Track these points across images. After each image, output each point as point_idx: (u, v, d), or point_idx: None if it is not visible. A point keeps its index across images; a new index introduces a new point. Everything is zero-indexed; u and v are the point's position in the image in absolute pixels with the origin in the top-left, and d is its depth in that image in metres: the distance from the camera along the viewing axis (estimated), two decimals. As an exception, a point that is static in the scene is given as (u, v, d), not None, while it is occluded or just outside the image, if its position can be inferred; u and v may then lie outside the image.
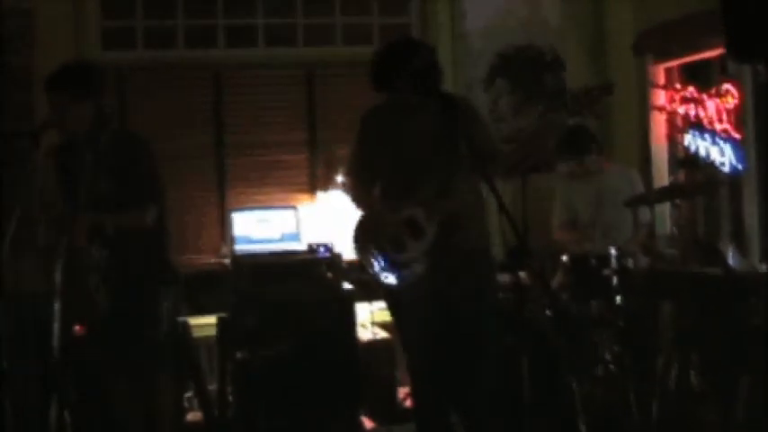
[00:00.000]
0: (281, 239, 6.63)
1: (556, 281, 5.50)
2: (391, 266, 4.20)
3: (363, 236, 4.32)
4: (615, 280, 5.10)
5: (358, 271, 6.23)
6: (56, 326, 4.05)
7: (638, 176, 6.17)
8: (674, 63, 6.91)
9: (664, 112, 6.95)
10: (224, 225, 6.83)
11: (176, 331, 5.27)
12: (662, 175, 7.03)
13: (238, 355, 5.74)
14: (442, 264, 4.15)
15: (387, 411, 5.99)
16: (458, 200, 4.19)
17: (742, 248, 5.92)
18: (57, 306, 4.07)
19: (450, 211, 4.17)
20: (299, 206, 6.90)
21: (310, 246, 6.44)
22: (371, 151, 4.45)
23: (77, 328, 4.79)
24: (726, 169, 6.21)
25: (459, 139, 4.13)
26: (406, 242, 4.19)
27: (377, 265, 4.22)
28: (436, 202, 4.15)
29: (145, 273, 4.52)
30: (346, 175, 4.53)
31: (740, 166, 6.13)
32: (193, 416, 5.89)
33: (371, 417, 5.93)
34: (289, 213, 6.77)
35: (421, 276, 4.16)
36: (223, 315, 5.94)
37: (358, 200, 4.47)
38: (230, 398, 5.85)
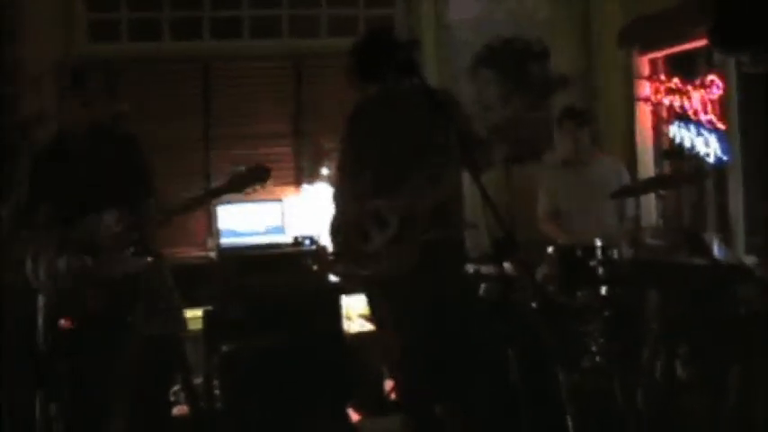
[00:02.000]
0: (267, 232, 6.62)
1: (541, 272, 5.49)
2: (360, 258, 4.21)
3: (334, 230, 4.34)
4: (601, 271, 5.11)
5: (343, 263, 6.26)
6: (40, 320, 4.04)
7: (624, 168, 6.17)
8: (660, 54, 6.92)
9: (649, 104, 6.96)
10: (209, 218, 6.81)
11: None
12: (647, 167, 7.05)
13: (224, 348, 5.73)
14: (421, 256, 4.15)
15: (373, 403, 5.99)
16: (447, 189, 4.19)
17: (727, 239, 5.94)
18: (40, 301, 4.05)
19: (436, 202, 4.16)
20: (284, 199, 6.89)
21: (296, 238, 6.43)
22: (360, 145, 4.44)
23: (63, 322, 4.75)
24: (711, 160, 6.23)
25: (444, 131, 4.13)
26: (372, 234, 4.20)
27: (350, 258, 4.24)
28: (416, 194, 4.14)
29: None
30: (336, 169, 4.53)
31: (725, 157, 6.14)
32: (180, 409, 5.87)
33: (358, 409, 5.92)
34: (274, 206, 6.76)
35: (390, 269, 4.15)
36: (209, 308, 5.92)
37: (338, 195, 4.48)
38: (217, 391, 5.84)
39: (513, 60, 7.20)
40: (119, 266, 4.26)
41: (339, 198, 4.50)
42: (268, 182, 4.52)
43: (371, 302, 4.44)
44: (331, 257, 6.27)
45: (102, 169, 4.38)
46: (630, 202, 5.94)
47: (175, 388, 5.86)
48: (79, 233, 4.23)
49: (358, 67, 4.40)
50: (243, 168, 4.53)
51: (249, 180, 4.43)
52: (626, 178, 6.03)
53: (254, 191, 4.38)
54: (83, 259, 4.21)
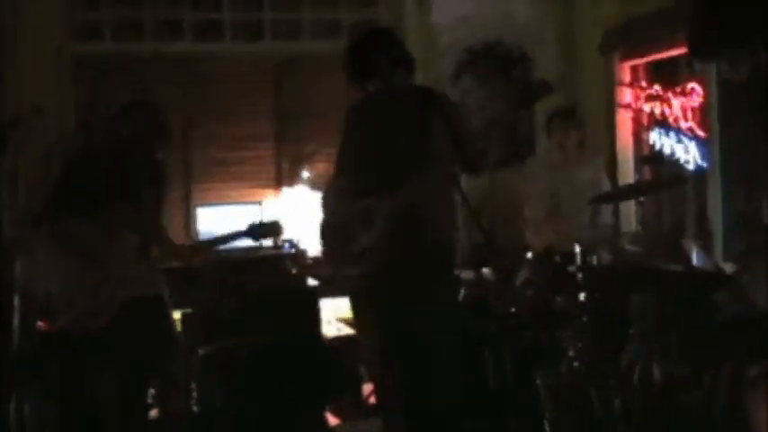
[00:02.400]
0: (246, 235, 6.60)
1: (521, 276, 5.49)
2: (346, 258, 4.20)
3: (323, 230, 4.33)
4: (580, 276, 5.11)
5: (322, 267, 6.25)
6: (15, 320, 4.01)
7: (605, 175, 6.15)
8: (640, 61, 6.94)
9: (629, 110, 6.98)
10: (188, 220, 6.80)
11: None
12: (627, 173, 7.07)
13: (201, 351, 5.71)
14: (404, 258, 4.12)
15: (352, 407, 5.97)
16: (438, 192, 4.17)
17: (706, 246, 5.95)
18: (16, 301, 4.03)
19: (418, 202, 4.13)
20: (263, 201, 6.87)
21: (275, 241, 6.41)
22: (355, 144, 4.39)
23: (40, 324, 4.72)
24: (690, 167, 6.24)
25: (435, 133, 4.12)
26: (358, 234, 4.18)
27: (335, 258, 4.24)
28: (403, 194, 4.11)
29: None
30: (334, 171, 4.49)
31: (705, 164, 6.16)
32: (157, 412, 5.84)
33: (336, 413, 5.91)
34: (253, 209, 6.74)
35: (376, 270, 4.14)
36: (187, 311, 5.90)
37: (329, 194, 4.46)
38: (194, 394, 5.82)
39: (495, 65, 7.21)
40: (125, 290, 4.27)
41: (330, 197, 4.47)
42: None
43: (354, 303, 4.41)
44: (310, 261, 6.30)
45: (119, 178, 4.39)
46: (607, 208, 5.93)
47: (152, 391, 5.83)
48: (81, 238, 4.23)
49: (357, 64, 4.37)
50: (261, 221, 4.85)
51: (266, 232, 4.76)
52: (606, 183, 6.02)
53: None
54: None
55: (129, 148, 4.44)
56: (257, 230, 4.74)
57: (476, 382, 4.54)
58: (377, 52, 4.31)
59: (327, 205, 4.43)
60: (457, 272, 5.69)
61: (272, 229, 4.83)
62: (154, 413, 5.78)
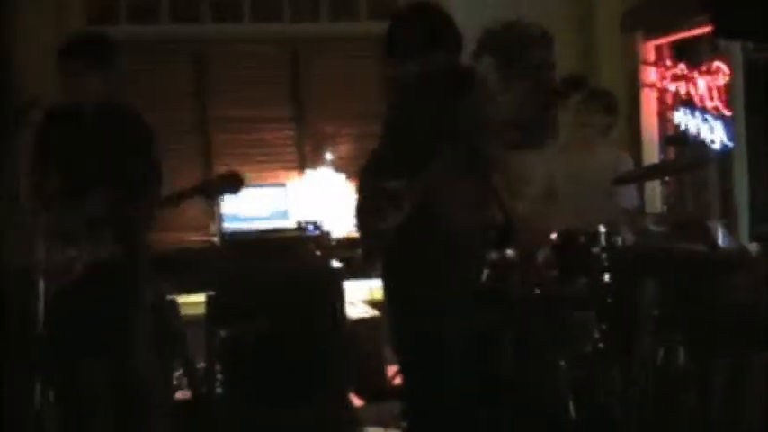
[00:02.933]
0: (270, 217, 6.61)
1: (542, 255, 5.46)
2: (374, 236, 4.19)
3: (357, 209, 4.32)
4: (604, 257, 5.09)
5: (346, 248, 6.26)
6: (40, 306, 4.02)
7: (630, 159, 6.05)
8: (664, 40, 6.88)
9: (654, 90, 6.93)
10: (213, 204, 6.80)
11: (163, 309, 5.28)
12: (652, 153, 7.02)
13: (226, 332, 5.73)
14: (425, 242, 4.11)
15: (375, 389, 5.99)
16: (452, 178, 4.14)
17: (731, 226, 5.91)
18: (41, 285, 4.03)
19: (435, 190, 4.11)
20: (287, 183, 6.88)
21: (299, 224, 6.42)
22: (390, 124, 4.35)
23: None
24: (716, 147, 6.20)
25: (465, 118, 4.07)
26: (388, 213, 4.16)
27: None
28: (419, 180, 4.09)
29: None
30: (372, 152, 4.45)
31: (730, 144, 6.12)
32: (182, 394, 5.87)
33: (360, 394, 5.92)
34: (278, 191, 6.75)
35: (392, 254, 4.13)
36: (211, 293, 5.92)
37: (365, 172, 4.42)
38: (219, 376, 5.85)
39: (514, 45, 7.16)
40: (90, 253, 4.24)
41: (365, 178, 4.40)
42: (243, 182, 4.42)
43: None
44: (334, 243, 6.30)
45: (104, 144, 4.35)
46: (634, 190, 5.87)
47: (177, 373, 5.87)
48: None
49: (395, 40, 4.24)
50: (216, 176, 4.51)
51: (220, 187, 4.36)
52: (629, 167, 5.94)
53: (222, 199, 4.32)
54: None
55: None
56: (210, 187, 4.47)
57: (493, 372, 4.54)
58: (415, 29, 4.20)
59: (362, 187, 4.39)
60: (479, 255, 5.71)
61: (228, 182, 4.35)
62: (179, 395, 5.85)
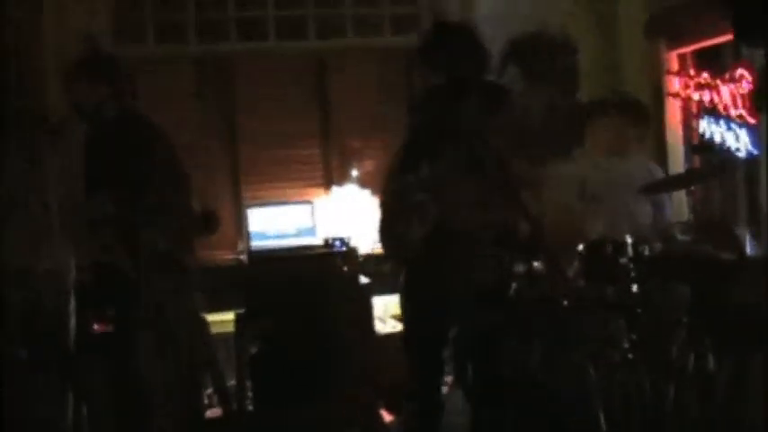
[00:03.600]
0: (297, 234, 6.64)
1: (572, 269, 5.46)
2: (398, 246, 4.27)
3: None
4: (632, 267, 5.08)
5: (374, 264, 6.28)
6: (72, 321, 4.06)
7: (658, 167, 6.03)
8: (688, 49, 6.88)
9: (678, 99, 6.92)
10: (240, 220, 6.84)
11: (194, 327, 5.31)
12: (677, 162, 7.00)
13: (256, 350, 5.76)
14: (451, 252, 4.15)
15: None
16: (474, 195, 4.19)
17: (758, 234, 5.88)
18: (72, 302, 4.08)
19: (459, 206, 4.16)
20: (314, 200, 6.91)
21: (326, 240, 6.45)
22: (415, 138, 4.43)
23: (96, 326, 4.76)
24: (742, 155, 6.18)
25: (485, 133, 4.13)
26: (413, 225, 4.21)
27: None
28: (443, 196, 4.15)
29: None
30: (397, 166, 4.50)
31: (755, 151, 6.09)
32: (213, 412, 5.90)
33: (390, 409, 5.92)
34: (304, 208, 6.78)
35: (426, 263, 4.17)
36: (241, 311, 5.95)
37: (392, 183, 4.46)
38: (249, 393, 5.87)
39: (539, 55, 7.16)
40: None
41: (391, 197, 4.45)
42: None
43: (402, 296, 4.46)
44: (361, 258, 6.32)
45: (126, 155, 4.39)
46: (666, 200, 5.85)
47: (208, 391, 5.90)
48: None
49: (425, 56, 4.36)
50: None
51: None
52: (659, 175, 5.93)
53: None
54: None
55: None
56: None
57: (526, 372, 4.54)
58: (442, 46, 4.30)
59: (388, 205, 4.43)
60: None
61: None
62: (210, 413, 5.88)
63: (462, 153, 4.16)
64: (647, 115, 5.91)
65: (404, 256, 4.30)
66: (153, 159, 4.41)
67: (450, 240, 4.14)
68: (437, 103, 4.34)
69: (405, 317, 4.49)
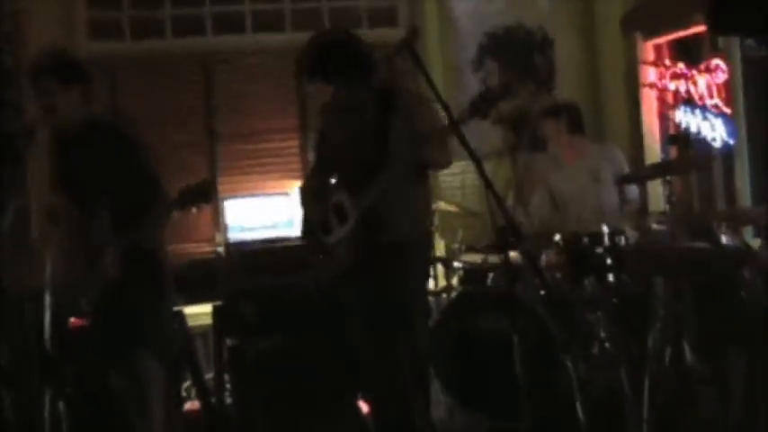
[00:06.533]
0: (275, 226, 6.62)
1: (546, 260, 5.48)
2: (321, 250, 4.47)
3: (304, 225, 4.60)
4: (608, 258, 5.11)
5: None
6: (47, 318, 4.04)
7: (618, 152, 6.08)
8: (663, 40, 6.90)
9: (654, 89, 6.95)
10: (217, 213, 6.81)
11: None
12: (654, 153, 7.03)
13: (233, 342, 5.75)
14: (365, 256, 4.30)
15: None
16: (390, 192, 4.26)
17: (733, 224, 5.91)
18: (47, 299, 4.05)
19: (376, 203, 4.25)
20: (291, 192, 6.89)
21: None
22: (326, 143, 4.66)
23: (73, 320, 4.74)
24: (717, 145, 6.21)
25: (394, 134, 4.27)
26: (333, 226, 4.39)
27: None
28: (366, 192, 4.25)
29: None
30: (311, 167, 4.70)
31: (732, 141, 6.12)
32: (191, 405, 5.89)
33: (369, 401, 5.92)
34: (281, 200, 6.76)
35: (344, 263, 4.36)
36: (218, 303, 5.93)
37: (305, 190, 4.73)
38: (227, 386, 5.86)
39: (516, 49, 7.18)
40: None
41: (306, 193, 4.69)
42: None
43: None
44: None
45: (96, 162, 4.35)
46: (633, 187, 5.91)
47: (186, 384, 5.88)
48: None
49: (314, 65, 4.47)
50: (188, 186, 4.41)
51: (194, 198, 4.37)
52: (621, 162, 5.96)
53: (199, 208, 4.35)
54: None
55: None
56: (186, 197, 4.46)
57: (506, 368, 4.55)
58: (331, 55, 4.39)
59: (305, 202, 4.65)
60: (484, 257, 5.75)
61: (199, 191, 4.34)
62: (188, 406, 5.86)
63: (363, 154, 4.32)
64: (580, 119, 5.99)
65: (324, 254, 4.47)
66: (116, 162, 4.33)
67: (361, 248, 4.32)
68: (333, 111, 4.60)
69: None
